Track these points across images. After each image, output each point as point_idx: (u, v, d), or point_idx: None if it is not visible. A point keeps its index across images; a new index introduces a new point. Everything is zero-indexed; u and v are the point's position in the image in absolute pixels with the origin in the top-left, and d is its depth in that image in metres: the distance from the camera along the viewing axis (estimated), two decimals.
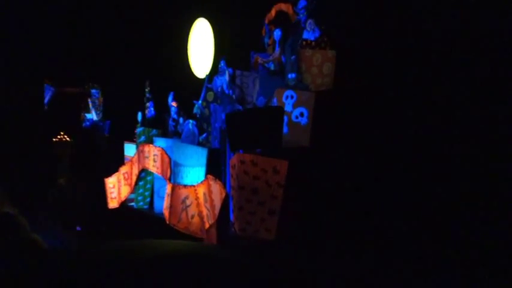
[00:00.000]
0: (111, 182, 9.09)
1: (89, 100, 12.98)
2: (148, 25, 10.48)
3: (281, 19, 8.53)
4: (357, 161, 6.78)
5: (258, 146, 6.56)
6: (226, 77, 7.91)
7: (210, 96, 8.25)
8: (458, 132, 6.09)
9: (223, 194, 5.96)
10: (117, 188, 8.97)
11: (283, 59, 7.75)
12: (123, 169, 8.83)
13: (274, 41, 8.38)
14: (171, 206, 6.94)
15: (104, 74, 12.48)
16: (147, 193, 8.75)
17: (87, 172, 10.74)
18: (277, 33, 7.87)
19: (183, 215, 6.84)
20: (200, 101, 7.75)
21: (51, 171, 10.66)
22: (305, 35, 7.51)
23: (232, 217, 6.47)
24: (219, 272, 2.93)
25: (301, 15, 7.95)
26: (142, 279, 2.62)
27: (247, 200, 6.44)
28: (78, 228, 8.93)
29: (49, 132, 11.87)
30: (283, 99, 6.98)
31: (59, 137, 12.56)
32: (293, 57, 7.30)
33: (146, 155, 8.03)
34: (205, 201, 6.54)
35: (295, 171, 6.28)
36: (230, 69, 8.08)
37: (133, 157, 8.63)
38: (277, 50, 7.90)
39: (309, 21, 7.49)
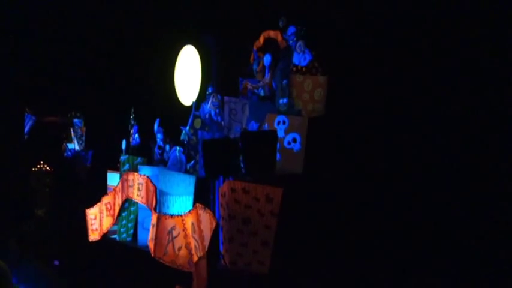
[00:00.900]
0: (92, 212, 8.66)
1: (71, 130, 12.60)
2: (133, 52, 10.25)
3: (270, 46, 8.38)
4: (352, 189, 6.54)
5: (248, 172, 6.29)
6: (215, 102, 7.64)
7: (198, 123, 7.95)
8: (454, 158, 5.96)
9: (214, 224, 5.61)
10: (98, 220, 8.53)
11: (273, 84, 7.55)
12: (106, 199, 8.41)
13: (263, 68, 8.19)
14: (157, 238, 6.54)
15: (87, 103, 12.16)
16: (130, 224, 8.33)
17: (67, 203, 10.29)
18: (267, 59, 7.67)
19: (170, 247, 6.44)
20: (188, 127, 7.44)
21: (28, 203, 10.19)
22: (295, 60, 7.31)
23: (222, 249, 6.10)
24: None
25: (290, 42, 7.81)
26: None
27: (238, 231, 6.08)
28: (55, 262, 8.43)
29: (28, 162, 11.45)
30: (275, 125, 6.71)
31: (38, 166, 12.11)
32: (284, 81, 7.07)
33: (130, 184, 7.66)
34: (194, 231, 6.16)
35: (289, 199, 5.98)
36: (218, 95, 7.82)
37: (116, 186, 8.24)
38: (267, 76, 7.68)
39: (299, 43, 7.32)
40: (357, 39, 7.01)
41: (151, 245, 6.67)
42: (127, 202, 8.18)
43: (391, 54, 6.65)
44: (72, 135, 12.63)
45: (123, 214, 8.28)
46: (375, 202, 6.33)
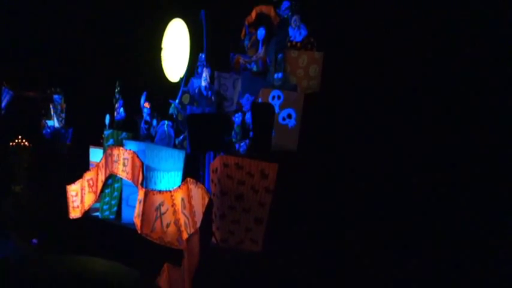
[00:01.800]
0: (73, 189, 8.31)
1: (51, 106, 12.13)
2: (119, 25, 9.85)
3: (262, 21, 8.11)
4: (347, 168, 6.36)
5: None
6: (206, 76, 7.35)
7: (186, 98, 7.67)
8: (448, 143, 5.85)
9: (206, 199, 5.34)
10: (80, 196, 8.19)
11: (267, 59, 7.30)
12: (88, 175, 8.07)
13: (255, 43, 7.94)
14: (144, 214, 6.26)
15: (69, 77, 11.71)
16: (113, 202, 8.01)
17: (46, 180, 9.90)
18: (261, 32, 7.41)
19: (157, 223, 6.17)
20: (177, 100, 7.14)
21: (5, 179, 9.77)
22: (290, 35, 7.08)
23: (212, 226, 5.85)
24: None
25: (285, 16, 7.57)
26: None
27: (230, 208, 5.84)
28: (34, 240, 8.07)
29: (5, 137, 10.99)
30: (270, 100, 6.46)
31: (16, 141, 11.64)
32: (280, 55, 6.83)
33: (115, 159, 7.33)
34: (184, 207, 5.90)
35: (283, 176, 5.75)
36: (209, 69, 7.53)
37: (99, 162, 7.90)
38: (261, 50, 7.43)
39: (294, 17, 7.06)
40: (355, 13, 6.81)
41: (137, 222, 6.38)
42: (110, 178, 7.86)
43: (389, 31, 6.49)
44: (52, 112, 12.16)
45: (106, 191, 7.96)
46: (371, 182, 6.17)
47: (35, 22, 10.71)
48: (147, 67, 9.12)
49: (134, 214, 6.57)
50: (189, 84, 7.89)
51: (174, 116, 7.18)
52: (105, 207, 8.01)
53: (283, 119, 6.44)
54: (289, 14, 7.47)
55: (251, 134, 6.03)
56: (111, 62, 9.81)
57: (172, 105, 7.15)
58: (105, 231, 7.50)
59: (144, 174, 6.76)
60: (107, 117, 8.39)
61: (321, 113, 6.65)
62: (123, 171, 7.21)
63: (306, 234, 5.81)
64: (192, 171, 6.73)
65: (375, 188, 6.10)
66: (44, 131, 12.16)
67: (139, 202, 6.43)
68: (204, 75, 7.45)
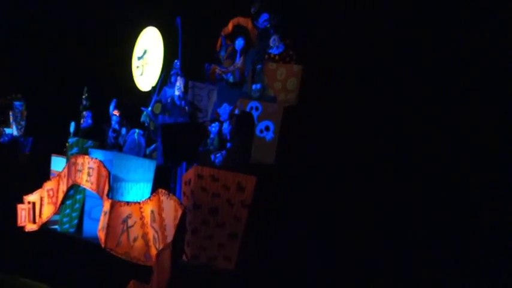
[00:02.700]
0: (31, 200, 7.78)
1: (10, 113, 11.51)
2: (89, 30, 9.46)
3: (238, 33, 7.92)
4: (326, 182, 6.13)
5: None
6: (180, 85, 7.05)
7: (157, 108, 7.31)
8: (428, 146, 5.71)
9: (179, 212, 5.00)
10: (38, 208, 7.66)
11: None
12: (48, 185, 7.58)
13: (231, 54, 7.75)
14: (109, 227, 5.84)
15: (31, 82, 11.16)
16: (74, 214, 7.52)
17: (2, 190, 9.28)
18: (239, 42, 7.21)
19: (123, 237, 5.76)
20: (150, 108, 6.80)
21: None
22: (271, 46, 6.90)
23: None
24: None
25: (263, 28, 7.40)
26: None
27: (203, 222, 5.49)
28: None
29: None
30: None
31: None
32: (259, 66, 6.62)
33: (79, 168, 6.89)
34: (153, 221, 5.52)
35: (260, 190, 5.47)
36: (183, 78, 7.24)
37: (61, 171, 7.43)
38: (239, 60, 7.20)
39: (273, 37, 6.91)
40: (335, 25, 6.68)
41: (101, 235, 5.95)
42: (72, 189, 7.39)
43: (369, 43, 6.38)
44: (11, 119, 11.55)
45: (67, 202, 7.47)
46: (351, 194, 5.96)
47: None
48: (116, 74, 8.76)
49: (98, 227, 6.14)
50: (161, 93, 7.56)
51: (146, 125, 6.83)
52: (65, 219, 7.51)
53: (261, 131, 6.19)
54: (268, 25, 7.31)
55: (228, 144, 5.74)
56: (78, 68, 9.37)
57: (145, 113, 6.80)
58: (64, 245, 6.99)
59: (111, 185, 6.35)
60: (72, 124, 7.95)
61: (299, 126, 6.44)
62: (87, 181, 6.77)
63: (282, 252, 5.53)
64: (162, 182, 6.37)
65: (355, 204, 5.88)
66: (1, 140, 11.54)
67: (105, 214, 6.01)
68: (178, 84, 7.15)
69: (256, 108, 6.21)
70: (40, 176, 8.34)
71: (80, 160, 6.91)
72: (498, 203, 4.94)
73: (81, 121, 7.71)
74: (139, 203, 5.75)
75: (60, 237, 7.29)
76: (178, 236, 4.79)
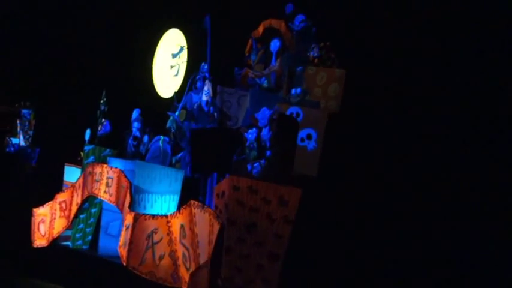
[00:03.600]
0: (41, 213, 7.13)
1: (18, 122, 10.92)
2: (104, 32, 8.92)
3: (270, 36, 7.38)
4: (373, 196, 5.51)
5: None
6: (208, 90, 6.45)
7: (182, 115, 6.72)
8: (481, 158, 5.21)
9: (216, 226, 4.36)
10: (48, 222, 7.01)
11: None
12: (61, 197, 6.93)
13: (262, 58, 7.18)
14: (132, 243, 5.20)
15: (40, 89, 10.60)
16: (88, 229, 6.88)
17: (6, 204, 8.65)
18: (275, 44, 6.64)
19: (148, 255, 5.11)
20: (177, 112, 6.19)
21: None
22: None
23: None
24: None
25: (299, 29, 6.85)
26: None
27: (239, 240, 4.85)
28: None
29: None
30: None
31: None
32: (299, 68, 6.04)
33: (96, 178, 6.27)
34: (183, 237, 4.88)
35: (302, 205, 4.83)
36: (211, 83, 6.64)
37: (76, 182, 6.80)
38: (274, 63, 6.62)
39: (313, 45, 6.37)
40: (382, 25, 6.13)
41: (123, 252, 5.30)
42: (87, 202, 6.75)
43: (419, 44, 5.84)
44: (18, 128, 10.95)
45: (81, 216, 6.83)
46: (401, 215, 5.32)
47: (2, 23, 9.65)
48: (136, 78, 8.18)
49: (118, 243, 5.48)
50: (185, 100, 6.97)
51: (173, 131, 6.20)
52: (77, 235, 6.86)
53: (302, 140, 5.58)
54: (304, 26, 6.77)
55: (268, 153, 5.12)
56: (94, 73, 8.81)
57: (171, 118, 6.19)
58: (77, 263, 6.33)
59: (133, 197, 5.70)
60: (88, 132, 7.32)
61: (341, 136, 5.84)
62: (105, 192, 6.14)
63: (330, 275, 4.87)
64: (189, 195, 5.72)
65: (406, 222, 5.24)
66: (6, 149, 10.94)
67: (126, 228, 5.36)
68: (205, 88, 6.55)
69: (297, 115, 5.61)
70: (49, 188, 7.72)
71: (97, 169, 6.29)
72: None
73: (99, 128, 7.08)
74: (166, 216, 5.11)
75: (72, 255, 6.63)
76: (216, 254, 4.14)
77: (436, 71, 5.76)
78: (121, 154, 6.81)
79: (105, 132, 7.01)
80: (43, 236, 7.11)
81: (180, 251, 4.90)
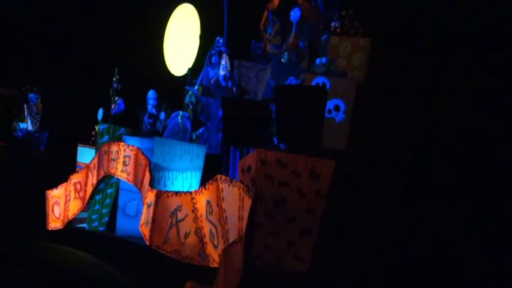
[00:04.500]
0: (55, 195, 6.92)
1: (25, 106, 10.66)
2: (112, 11, 8.63)
3: (286, 9, 7.11)
4: (404, 171, 5.27)
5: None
6: (226, 64, 6.20)
7: (199, 90, 6.48)
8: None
9: (246, 201, 4.13)
10: (62, 204, 6.80)
11: (300, 44, 6.22)
12: (75, 178, 6.71)
13: (279, 31, 6.94)
14: (154, 221, 4.98)
15: (47, 74, 10.33)
16: (104, 210, 6.66)
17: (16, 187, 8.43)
18: (295, 14, 6.35)
19: (172, 233, 4.89)
20: (197, 86, 5.93)
21: None
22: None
23: None
24: None
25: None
26: None
27: (267, 216, 4.62)
28: None
29: None
30: None
31: None
32: (324, 37, 5.77)
33: (113, 157, 6.04)
34: (209, 213, 4.65)
35: (336, 178, 4.59)
36: (228, 57, 6.39)
37: (90, 162, 6.57)
38: (294, 33, 6.34)
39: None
40: None
41: (145, 231, 5.08)
42: (102, 182, 6.52)
43: (447, 10, 5.57)
44: (26, 113, 10.68)
45: (97, 197, 6.61)
46: (435, 190, 5.09)
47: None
48: (148, 56, 7.91)
49: (140, 222, 5.26)
50: (201, 75, 6.72)
51: (191, 107, 5.95)
52: (93, 216, 6.64)
53: (329, 111, 5.33)
54: None
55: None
56: (102, 52, 8.54)
57: (190, 92, 5.94)
58: (95, 245, 6.10)
59: (152, 175, 5.47)
60: (100, 111, 7.09)
61: (368, 107, 5.59)
62: (122, 171, 5.92)
63: (364, 251, 4.64)
64: (210, 172, 5.49)
65: (443, 198, 5.01)
66: (14, 134, 10.69)
67: (148, 207, 5.14)
68: (223, 62, 6.31)
69: (324, 85, 5.34)
70: (62, 170, 7.49)
71: (114, 148, 6.06)
72: None
73: (112, 106, 6.83)
74: (190, 193, 4.88)
75: (90, 236, 6.42)
76: (250, 229, 3.92)
77: (469, 40, 5.51)
78: (136, 133, 6.56)
79: (119, 110, 6.77)
80: (58, 218, 6.91)
81: (207, 228, 4.67)
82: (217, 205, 4.55)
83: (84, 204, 6.58)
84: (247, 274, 3.79)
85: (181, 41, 7.83)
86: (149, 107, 6.57)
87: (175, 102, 6.60)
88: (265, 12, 7.33)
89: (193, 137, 5.92)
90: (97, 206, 6.64)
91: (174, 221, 4.90)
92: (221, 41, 6.64)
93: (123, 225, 6.17)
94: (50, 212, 7.00)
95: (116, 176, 6.07)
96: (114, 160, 6.04)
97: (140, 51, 8.09)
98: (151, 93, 6.70)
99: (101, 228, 6.68)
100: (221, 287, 3.91)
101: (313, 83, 5.37)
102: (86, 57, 8.86)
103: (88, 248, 6.11)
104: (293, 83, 5.12)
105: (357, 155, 5.20)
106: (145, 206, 5.24)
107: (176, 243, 4.84)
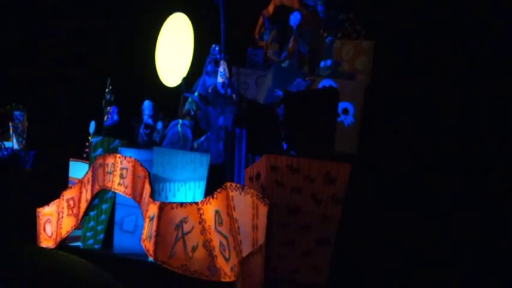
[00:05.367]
0: (47, 213, 6.56)
1: (10, 124, 10.30)
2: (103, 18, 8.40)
3: (281, 15, 6.98)
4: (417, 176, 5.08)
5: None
6: (224, 71, 5.98)
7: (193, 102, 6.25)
8: None
9: (261, 209, 3.87)
10: (55, 221, 6.45)
11: (302, 49, 6.04)
12: (68, 194, 6.38)
13: (276, 37, 6.83)
14: (158, 235, 4.67)
15: (32, 92, 10.00)
16: (100, 227, 6.35)
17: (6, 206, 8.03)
18: (295, 17, 6.19)
19: (178, 247, 4.59)
20: (197, 93, 5.69)
21: None
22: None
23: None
24: None
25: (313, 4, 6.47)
26: None
27: (280, 224, 4.36)
28: None
29: None
30: None
31: None
32: (328, 38, 5.60)
33: (109, 170, 5.74)
34: (219, 224, 4.37)
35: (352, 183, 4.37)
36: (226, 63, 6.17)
37: (84, 177, 6.25)
38: (293, 37, 6.16)
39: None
40: None
41: (148, 246, 4.77)
42: (97, 198, 6.21)
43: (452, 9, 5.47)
44: (11, 131, 10.32)
45: (91, 214, 6.30)
46: (447, 195, 4.90)
47: None
48: (140, 67, 7.66)
49: (142, 237, 4.96)
50: (197, 84, 6.50)
51: (192, 113, 5.70)
52: (88, 234, 6.32)
53: (338, 115, 5.11)
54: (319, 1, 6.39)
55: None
56: (91, 64, 8.26)
57: (190, 99, 5.69)
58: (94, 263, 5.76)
59: (152, 187, 5.18)
60: (92, 124, 6.80)
61: (375, 111, 5.41)
62: (120, 184, 5.62)
63: (384, 261, 4.40)
64: (214, 183, 5.22)
65: (453, 204, 4.82)
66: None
67: (151, 220, 4.84)
68: (221, 69, 6.08)
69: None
70: (52, 187, 7.15)
71: (109, 160, 5.76)
72: None
73: (105, 118, 6.55)
74: (196, 203, 4.60)
75: (85, 256, 6.04)
76: (269, 238, 3.65)
77: (471, 41, 5.39)
78: (132, 144, 6.28)
79: (112, 122, 6.48)
80: (50, 237, 6.56)
81: (217, 239, 4.39)
82: (228, 215, 4.28)
83: (78, 221, 6.25)
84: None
85: (173, 51, 7.61)
86: (145, 117, 6.31)
87: (171, 112, 6.35)
88: (260, 19, 7.20)
89: (195, 145, 5.66)
90: (92, 223, 6.33)
91: (179, 234, 4.61)
92: (217, 48, 6.45)
93: (120, 241, 5.87)
94: (42, 231, 6.63)
95: (112, 190, 5.77)
96: (110, 173, 5.74)
97: (133, 61, 7.84)
98: (146, 104, 6.45)
99: (96, 246, 6.35)
100: None
101: (319, 86, 5.17)
102: (73, 71, 8.56)
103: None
104: (302, 84, 4.91)
105: (368, 159, 4.99)
106: (147, 220, 4.94)
107: (183, 258, 4.54)
